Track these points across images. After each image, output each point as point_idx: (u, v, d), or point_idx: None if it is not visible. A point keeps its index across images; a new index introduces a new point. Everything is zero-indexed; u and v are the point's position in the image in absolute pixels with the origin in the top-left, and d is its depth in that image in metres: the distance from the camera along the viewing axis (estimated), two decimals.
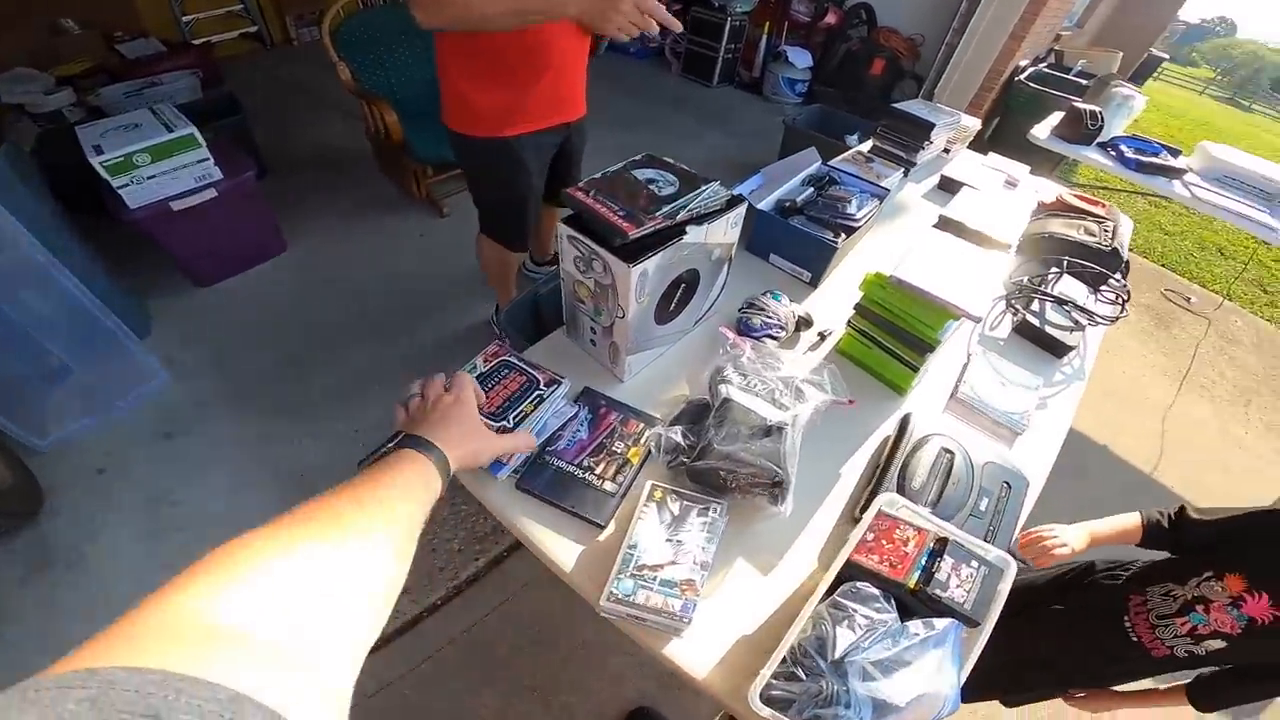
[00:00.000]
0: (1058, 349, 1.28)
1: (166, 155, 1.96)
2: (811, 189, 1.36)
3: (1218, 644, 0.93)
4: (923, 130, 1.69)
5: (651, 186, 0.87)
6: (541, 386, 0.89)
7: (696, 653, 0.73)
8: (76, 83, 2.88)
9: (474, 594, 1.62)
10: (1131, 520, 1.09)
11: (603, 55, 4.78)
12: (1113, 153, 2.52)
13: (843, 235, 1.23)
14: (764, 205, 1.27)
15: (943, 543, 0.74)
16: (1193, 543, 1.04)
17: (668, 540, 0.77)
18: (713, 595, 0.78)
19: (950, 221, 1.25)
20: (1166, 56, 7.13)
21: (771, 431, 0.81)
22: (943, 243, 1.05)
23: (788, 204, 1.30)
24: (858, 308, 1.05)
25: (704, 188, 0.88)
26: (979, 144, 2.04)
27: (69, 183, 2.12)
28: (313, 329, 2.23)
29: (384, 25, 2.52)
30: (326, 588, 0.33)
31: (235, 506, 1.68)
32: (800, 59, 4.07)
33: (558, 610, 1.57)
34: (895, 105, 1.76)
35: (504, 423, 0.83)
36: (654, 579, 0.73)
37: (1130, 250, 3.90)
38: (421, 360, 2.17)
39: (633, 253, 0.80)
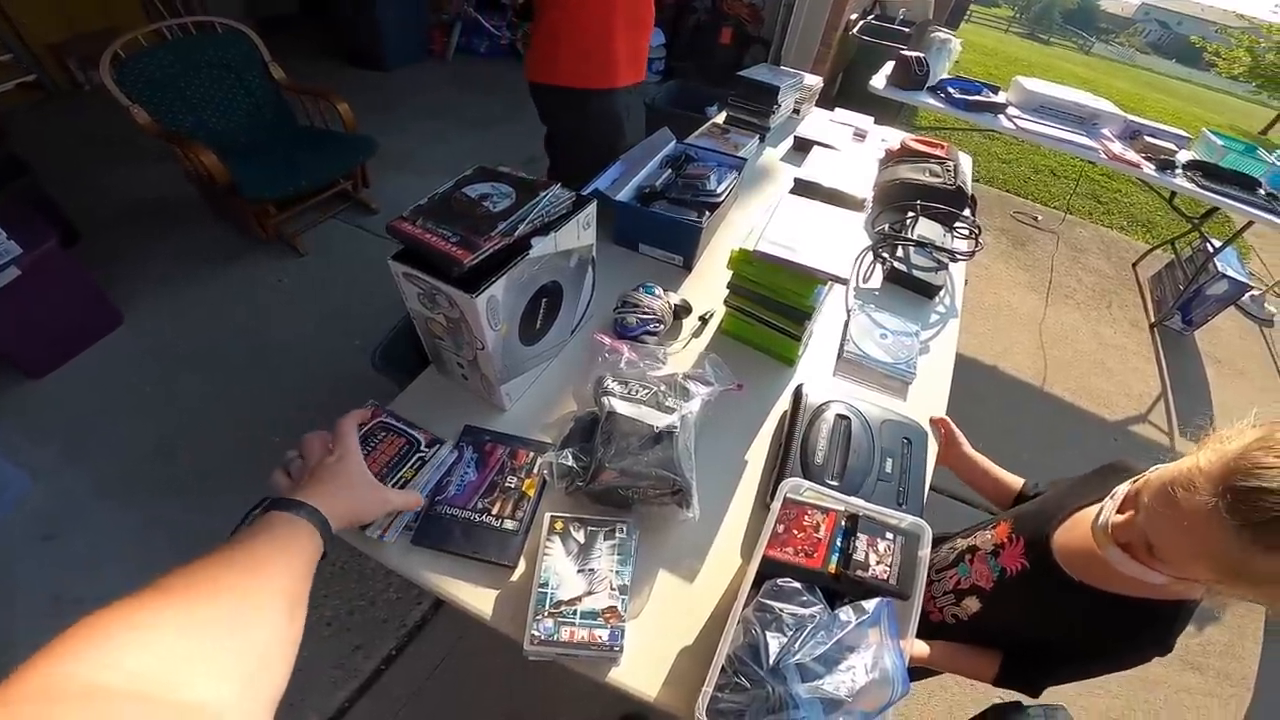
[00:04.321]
0: (928, 290, 1.34)
1: None
2: (669, 170, 1.34)
3: (974, 604, 0.89)
4: (769, 95, 1.72)
5: (485, 203, 0.79)
6: (423, 448, 0.81)
7: (641, 674, 0.71)
8: None
9: (427, 637, 1.56)
10: (1012, 479, 1.04)
11: (451, 60, 4.54)
12: (942, 95, 2.71)
13: (706, 214, 1.21)
14: (622, 195, 1.22)
15: (854, 520, 0.73)
16: None
17: (579, 571, 0.73)
18: (643, 613, 0.76)
19: (805, 184, 1.27)
20: None
21: (662, 438, 0.78)
22: (799, 207, 1.05)
23: (647, 190, 1.26)
24: (731, 286, 1.04)
25: (543, 195, 0.81)
26: (830, 101, 2.12)
27: None
28: (175, 402, 1.99)
29: (180, 58, 2.22)
30: (209, 644, 0.32)
31: None
32: (654, 37, 4.07)
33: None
34: (741, 73, 1.77)
35: None
36: (574, 613, 0.69)
37: (976, 181, 4.29)
38: (302, 413, 1.97)
39: (474, 280, 0.73)
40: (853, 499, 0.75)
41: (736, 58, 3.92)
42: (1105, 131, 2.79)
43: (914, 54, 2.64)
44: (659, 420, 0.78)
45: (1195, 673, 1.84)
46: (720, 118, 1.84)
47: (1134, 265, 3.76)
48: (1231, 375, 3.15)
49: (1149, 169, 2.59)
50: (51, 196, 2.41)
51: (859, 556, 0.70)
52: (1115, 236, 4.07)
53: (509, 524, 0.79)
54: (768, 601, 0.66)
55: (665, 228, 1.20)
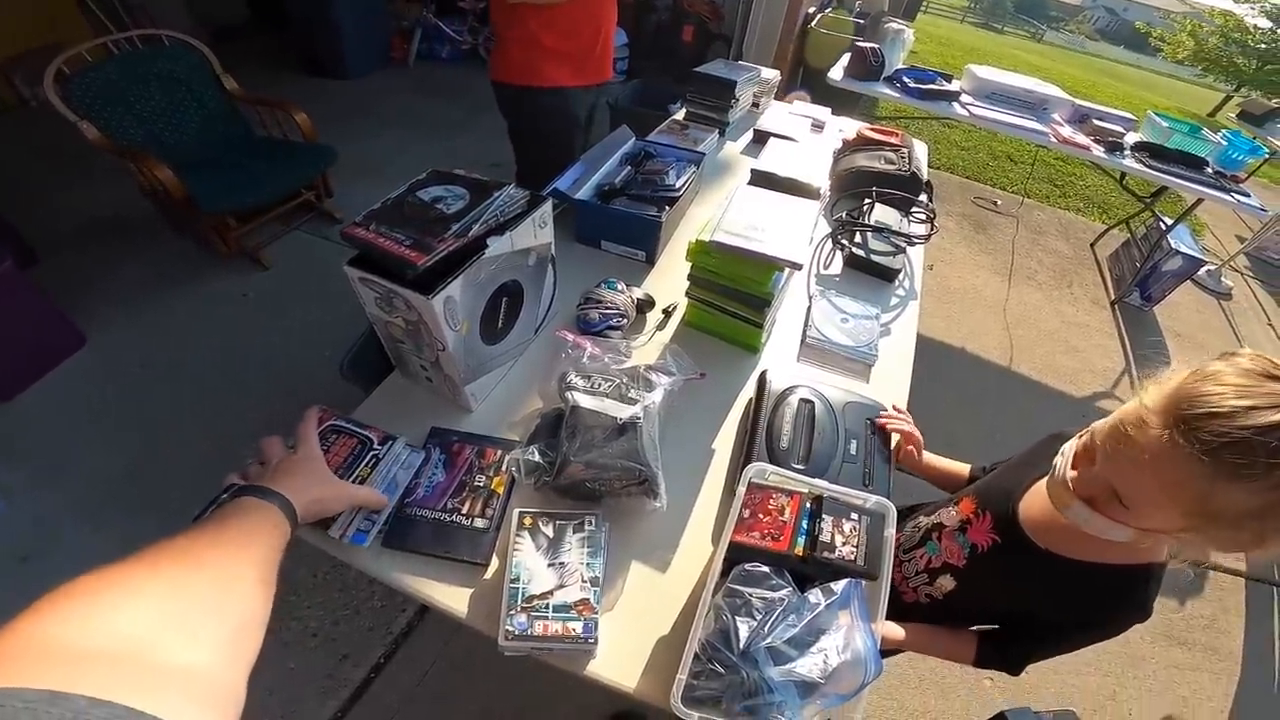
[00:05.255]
0: (887, 274, 1.38)
1: None
2: (629, 168, 1.35)
3: (949, 583, 0.89)
4: (726, 89, 1.74)
5: (439, 205, 0.80)
6: (376, 446, 0.81)
7: (619, 665, 0.71)
8: None
9: (415, 643, 1.55)
10: (961, 467, 1.04)
11: (413, 67, 4.50)
12: (898, 85, 2.77)
13: (666, 208, 1.23)
14: (582, 194, 1.23)
15: (819, 501, 0.73)
16: None
17: (549, 565, 0.73)
18: (617, 605, 0.76)
19: (762, 174, 1.29)
20: None
21: (626, 429, 0.79)
22: (755, 197, 1.07)
23: (607, 187, 1.27)
24: (691, 277, 1.06)
25: (497, 195, 0.82)
26: (792, 95, 2.15)
27: None
28: (144, 424, 1.95)
29: (127, 72, 2.17)
30: (193, 612, 0.34)
31: None
32: (615, 38, 4.08)
33: None
34: (698, 70, 1.80)
35: None
36: (546, 607, 0.70)
37: (936, 168, 4.40)
38: (271, 427, 1.93)
39: (429, 282, 0.73)
40: (818, 481, 0.76)
41: (699, 55, 3.95)
42: (1055, 116, 2.88)
43: (869, 45, 2.69)
44: (622, 412, 0.79)
45: (1182, 648, 1.87)
46: (680, 114, 1.86)
47: (1092, 245, 3.88)
48: (1192, 348, 3.26)
49: (1098, 151, 2.67)
50: (4, 217, 2.34)
51: (825, 538, 0.70)
52: (1072, 218, 4.19)
53: (479, 522, 0.80)
54: (736, 587, 0.66)
55: (625, 224, 1.21)
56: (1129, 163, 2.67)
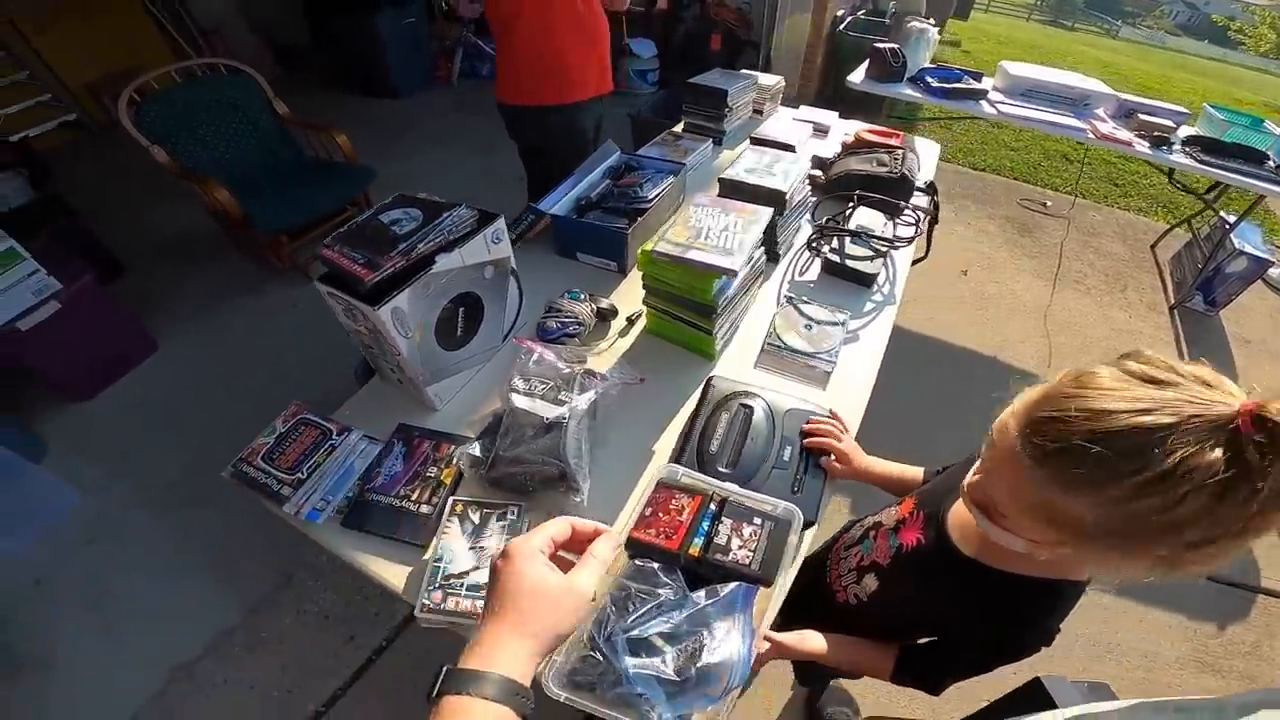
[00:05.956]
0: (863, 279, 1.38)
1: None
2: (608, 181, 1.42)
3: (873, 583, 0.86)
4: (718, 99, 1.78)
5: (394, 227, 0.90)
6: (334, 436, 0.92)
7: None
8: None
9: (415, 629, 1.63)
10: (914, 472, 0.98)
11: (457, 84, 4.76)
12: (921, 85, 2.71)
13: (639, 220, 1.29)
14: (562, 207, 1.32)
15: (724, 504, 0.76)
16: None
17: (471, 549, 0.81)
18: None
19: (731, 183, 1.33)
20: None
21: (552, 428, 0.86)
22: (707, 207, 1.11)
23: (584, 201, 1.35)
24: (645, 286, 1.12)
25: (445, 216, 0.91)
26: (822, 100, 2.16)
27: None
28: (204, 423, 2.18)
29: (191, 100, 2.43)
30: None
31: (171, 592, 1.75)
32: (644, 50, 4.17)
33: None
34: (691, 80, 1.85)
35: (299, 474, 0.88)
36: (461, 586, 0.78)
37: (980, 169, 4.22)
38: None
39: (377, 295, 0.83)
40: (725, 484, 0.79)
41: (728, 63, 3.97)
42: (1099, 111, 2.73)
43: (889, 46, 2.65)
44: (550, 412, 0.86)
45: (1215, 676, 1.75)
46: (679, 126, 1.91)
47: (1152, 247, 3.62)
48: (1263, 357, 2.98)
49: (1142, 146, 2.52)
50: (94, 233, 2.68)
51: (720, 540, 0.73)
52: (1132, 219, 3.92)
53: (425, 509, 0.89)
54: (625, 580, 0.70)
55: (596, 236, 1.28)
56: (1177, 158, 2.50)
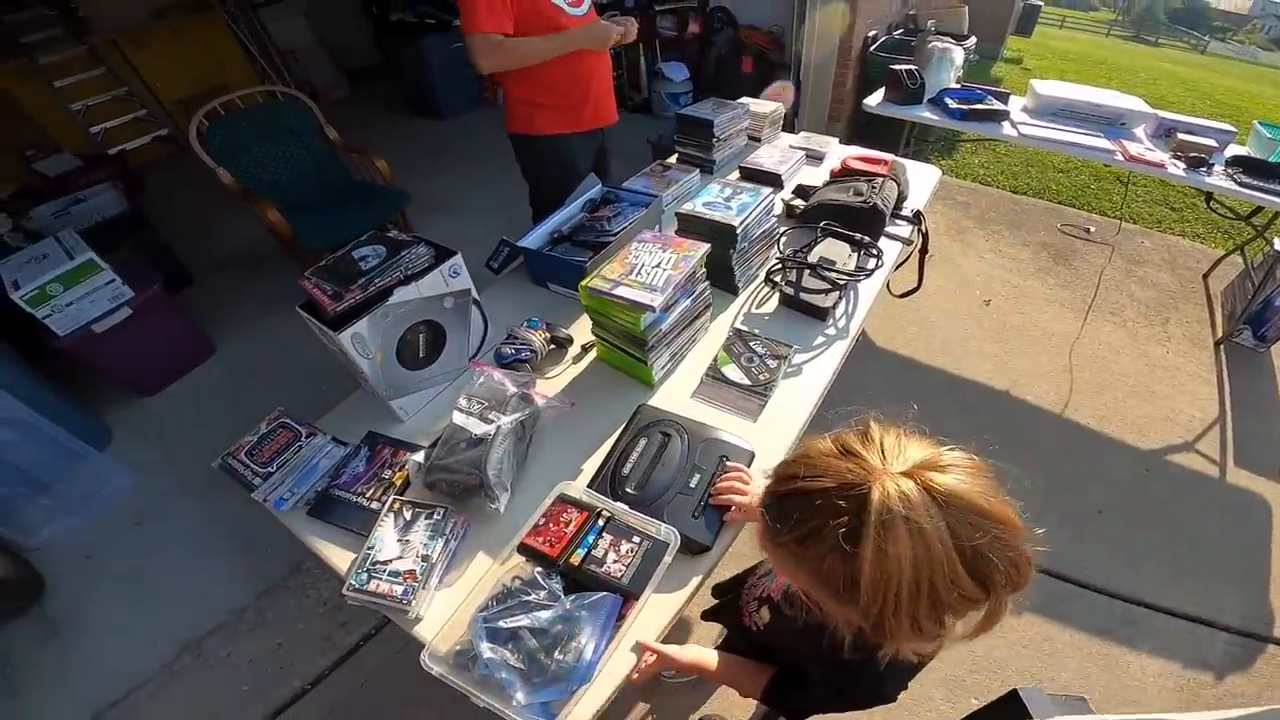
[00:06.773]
0: (816, 312, 1.42)
1: (76, 282, 2.14)
2: (584, 213, 1.54)
3: (766, 615, 0.89)
4: (705, 129, 1.87)
5: (362, 262, 1.06)
6: (303, 438, 1.08)
7: (433, 628, 0.87)
8: (8, 207, 2.79)
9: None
10: None
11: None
12: (940, 107, 2.68)
13: (600, 253, 1.40)
14: (529, 241, 1.45)
15: (610, 521, 0.86)
16: None
17: (398, 540, 0.95)
18: (458, 583, 0.95)
19: (686, 217, 1.40)
20: (1041, 3, 7.44)
21: (478, 442, 0.98)
22: (649, 242, 1.20)
23: (556, 234, 1.48)
24: (590, 317, 1.22)
25: (405, 253, 1.06)
26: (852, 124, 2.15)
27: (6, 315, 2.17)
28: (246, 420, 2.39)
29: (252, 125, 2.71)
30: None
31: (200, 570, 1.96)
32: (677, 73, 4.29)
33: None
34: (681, 111, 1.94)
35: (270, 469, 1.05)
36: (383, 571, 0.91)
37: (1022, 193, 4.06)
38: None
39: (339, 322, 0.98)
40: (615, 504, 0.90)
41: (760, 86, 4.02)
42: (1136, 131, 2.63)
43: (905, 67, 2.65)
44: (479, 428, 0.99)
45: None
46: (673, 157, 2.01)
47: (1204, 276, 3.39)
48: None
49: (1176, 168, 2.41)
50: (169, 245, 3.04)
51: (598, 553, 0.85)
52: (1186, 245, 3.66)
53: (375, 505, 1.03)
54: (506, 582, 0.83)
55: (560, 268, 1.40)
56: (1216, 180, 2.38)
